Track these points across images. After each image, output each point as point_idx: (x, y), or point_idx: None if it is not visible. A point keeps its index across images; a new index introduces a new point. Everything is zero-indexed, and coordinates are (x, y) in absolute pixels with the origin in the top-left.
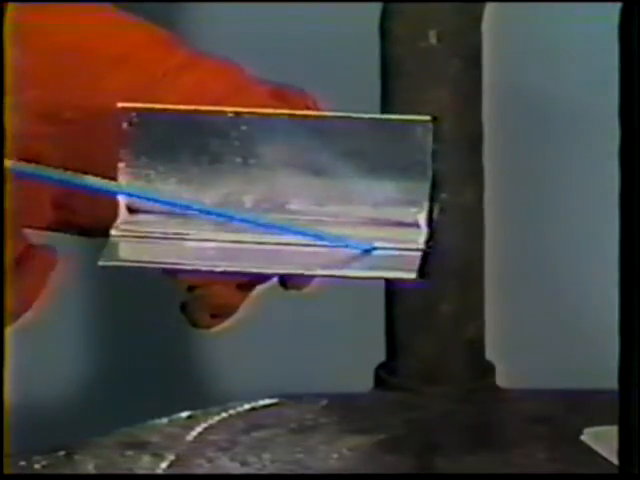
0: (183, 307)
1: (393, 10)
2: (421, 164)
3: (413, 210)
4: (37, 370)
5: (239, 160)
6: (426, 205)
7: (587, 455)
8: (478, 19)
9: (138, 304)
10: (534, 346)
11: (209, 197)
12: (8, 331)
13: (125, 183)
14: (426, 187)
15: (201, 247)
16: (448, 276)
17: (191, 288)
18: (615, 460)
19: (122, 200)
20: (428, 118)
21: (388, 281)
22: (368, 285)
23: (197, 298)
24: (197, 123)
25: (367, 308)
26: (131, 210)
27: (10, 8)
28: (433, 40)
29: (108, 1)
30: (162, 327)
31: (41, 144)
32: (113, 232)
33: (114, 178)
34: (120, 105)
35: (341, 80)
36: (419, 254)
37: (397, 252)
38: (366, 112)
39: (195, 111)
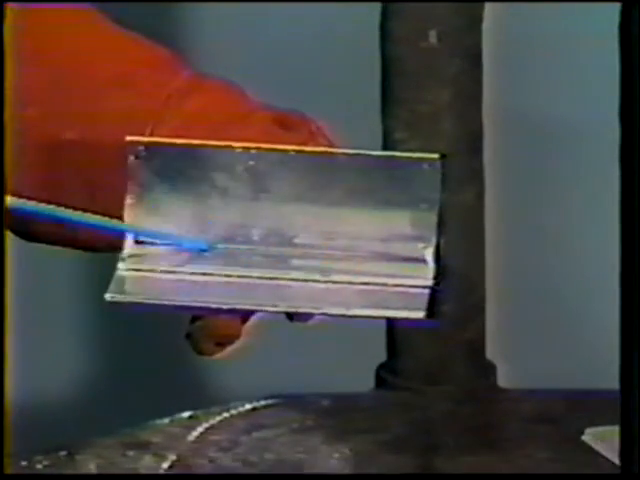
0: (188, 336)
1: (393, 10)
2: (429, 200)
3: (421, 246)
4: (38, 370)
5: (247, 194)
6: (434, 241)
7: (588, 455)
8: (478, 19)
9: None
10: (534, 346)
11: (217, 230)
12: (9, 331)
13: (130, 219)
14: (434, 223)
15: (208, 282)
16: (448, 276)
17: (195, 318)
18: (616, 460)
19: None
20: (436, 156)
21: (396, 320)
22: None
23: (201, 328)
24: (205, 156)
25: None
26: (138, 242)
27: (9, 15)
28: (433, 40)
29: (114, 1)
30: (163, 327)
31: (42, 163)
32: (120, 265)
33: (115, 202)
34: (128, 138)
35: (341, 80)
36: (427, 292)
37: (405, 289)
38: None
39: (203, 145)
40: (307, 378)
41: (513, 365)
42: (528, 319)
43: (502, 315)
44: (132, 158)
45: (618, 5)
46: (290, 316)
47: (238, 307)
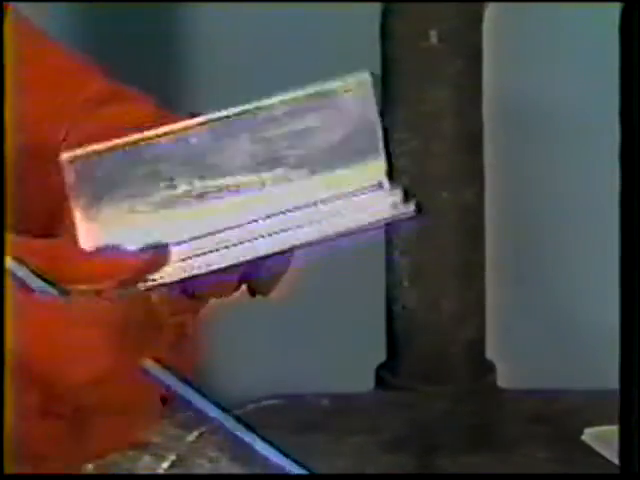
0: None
1: (393, 10)
2: (369, 121)
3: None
4: None
5: (193, 177)
6: (382, 153)
7: (587, 455)
8: (478, 19)
9: None
10: (534, 346)
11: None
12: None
13: (83, 233)
14: (378, 141)
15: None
16: (448, 275)
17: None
18: (616, 460)
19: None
20: (366, 75)
21: (389, 225)
22: (369, 282)
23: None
24: (140, 152)
25: (367, 307)
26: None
27: None
28: (434, 40)
29: (115, 1)
30: None
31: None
32: None
33: (39, 213)
34: (64, 157)
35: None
36: (398, 190)
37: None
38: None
39: (139, 140)
40: (307, 378)
41: (513, 365)
42: (528, 319)
43: (502, 314)
44: (72, 176)
45: (618, 5)
46: (252, 290)
47: (243, 259)
